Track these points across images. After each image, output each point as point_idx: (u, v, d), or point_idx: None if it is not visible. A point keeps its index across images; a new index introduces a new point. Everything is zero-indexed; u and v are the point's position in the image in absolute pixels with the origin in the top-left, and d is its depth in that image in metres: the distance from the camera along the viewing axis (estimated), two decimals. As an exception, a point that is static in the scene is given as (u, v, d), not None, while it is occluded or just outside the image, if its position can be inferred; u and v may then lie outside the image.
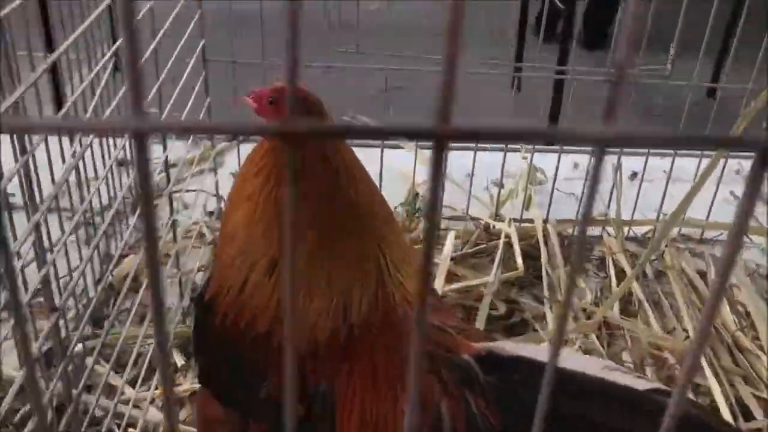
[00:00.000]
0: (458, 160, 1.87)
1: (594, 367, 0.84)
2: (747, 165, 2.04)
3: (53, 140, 1.30)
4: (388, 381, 0.92)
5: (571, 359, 0.88)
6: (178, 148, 1.84)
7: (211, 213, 1.86)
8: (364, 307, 0.95)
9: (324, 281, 0.94)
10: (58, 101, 1.79)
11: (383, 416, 0.91)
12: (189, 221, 1.79)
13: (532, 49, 2.70)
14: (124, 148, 1.66)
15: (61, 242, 1.22)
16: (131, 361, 1.32)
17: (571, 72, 2.01)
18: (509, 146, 2.04)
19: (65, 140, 1.39)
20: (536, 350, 0.93)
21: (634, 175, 1.98)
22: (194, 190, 1.90)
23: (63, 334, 1.40)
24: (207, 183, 1.90)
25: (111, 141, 1.65)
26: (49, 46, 1.51)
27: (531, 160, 1.89)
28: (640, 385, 0.82)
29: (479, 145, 2.03)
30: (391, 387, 0.92)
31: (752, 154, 0.29)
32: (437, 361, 0.91)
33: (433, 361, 0.91)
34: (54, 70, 1.65)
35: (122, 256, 1.58)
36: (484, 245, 1.74)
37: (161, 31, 1.35)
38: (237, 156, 1.86)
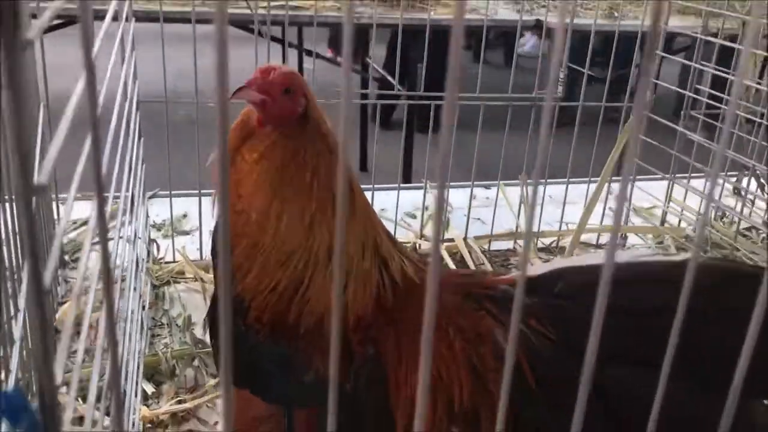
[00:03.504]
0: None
1: (624, 257, 0.94)
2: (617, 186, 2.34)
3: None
4: (437, 328, 0.97)
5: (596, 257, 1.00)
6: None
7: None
8: (397, 274, 1.01)
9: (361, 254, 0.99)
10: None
11: (443, 356, 0.95)
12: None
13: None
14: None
15: None
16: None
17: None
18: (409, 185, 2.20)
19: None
20: (561, 263, 0.99)
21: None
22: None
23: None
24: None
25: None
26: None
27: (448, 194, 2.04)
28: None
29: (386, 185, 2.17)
30: (442, 331, 0.97)
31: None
32: (480, 298, 0.99)
33: (476, 299, 0.99)
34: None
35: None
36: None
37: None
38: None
